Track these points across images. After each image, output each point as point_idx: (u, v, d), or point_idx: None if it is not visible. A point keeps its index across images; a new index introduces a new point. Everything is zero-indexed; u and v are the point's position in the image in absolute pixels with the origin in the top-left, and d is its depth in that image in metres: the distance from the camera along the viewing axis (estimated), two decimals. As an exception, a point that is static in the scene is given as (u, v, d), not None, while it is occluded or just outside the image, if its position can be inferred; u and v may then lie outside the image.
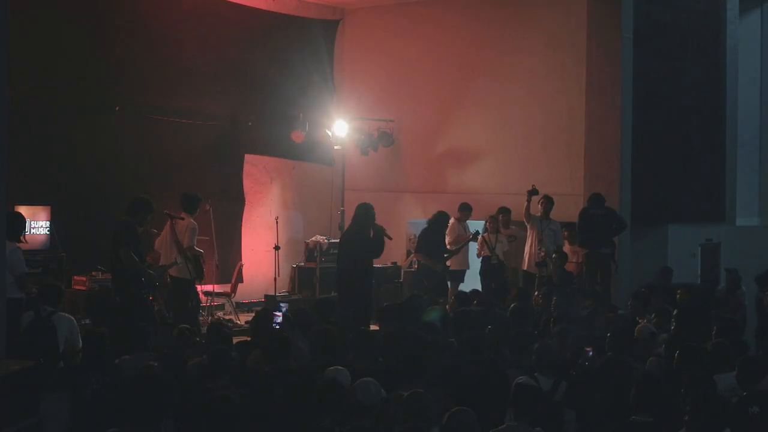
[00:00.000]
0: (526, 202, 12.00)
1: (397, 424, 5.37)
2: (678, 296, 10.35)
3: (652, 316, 8.78)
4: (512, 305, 8.86)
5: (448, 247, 12.25)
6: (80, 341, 7.79)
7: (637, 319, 8.94)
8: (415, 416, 5.27)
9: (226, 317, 12.18)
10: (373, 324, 10.20)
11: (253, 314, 9.83)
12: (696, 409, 5.15)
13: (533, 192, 11.96)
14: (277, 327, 8.09)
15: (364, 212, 10.16)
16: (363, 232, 10.11)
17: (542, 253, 11.83)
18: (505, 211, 12.64)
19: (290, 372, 6.56)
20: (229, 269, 12.92)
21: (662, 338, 7.88)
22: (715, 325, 8.13)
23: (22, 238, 9.27)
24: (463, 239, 12.46)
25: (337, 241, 13.79)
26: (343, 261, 10.27)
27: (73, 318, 8.29)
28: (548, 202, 12.15)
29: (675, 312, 8.52)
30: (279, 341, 6.85)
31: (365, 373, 6.16)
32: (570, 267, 12.05)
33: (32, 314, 8.06)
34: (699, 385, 5.87)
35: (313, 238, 13.83)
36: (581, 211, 11.89)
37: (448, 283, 12.22)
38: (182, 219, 10.27)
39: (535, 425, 5.41)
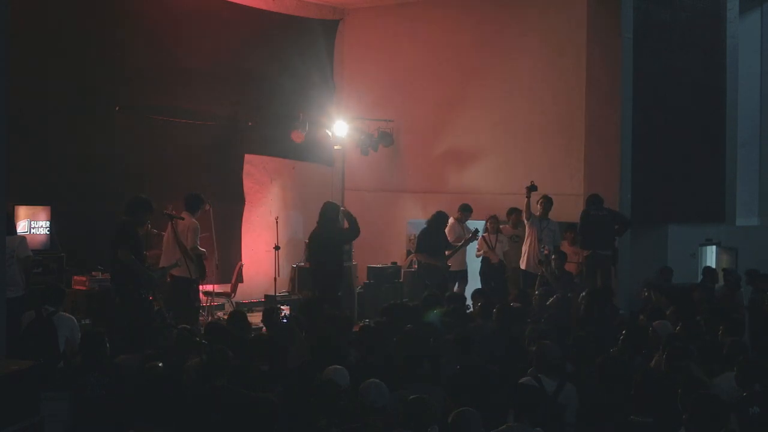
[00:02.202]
0: (525, 199, 11.99)
1: (399, 426, 5.37)
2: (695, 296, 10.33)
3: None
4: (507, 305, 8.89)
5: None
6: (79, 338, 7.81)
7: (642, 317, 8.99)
8: (416, 420, 5.28)
9: (226, 317, 12.16)
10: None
11: (254, 314, 9.89)
12: (695, 409, 5.13)
13: (532, 188, 11.93)
14: (285, 321, 8.13)
15: (330, 209, 10.79)
16: (335, 227, 10.73)
17: (546, 251, 11.83)
18: (515, 211, 12.59)
19: (288, 372, 6.57)
20: (229, 269, 12.92)
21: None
22: (721, 324, 8.13)
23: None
24: (463, 240, 12.45)
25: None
26: (319, 255, 10.66)
27: (74, 318, 8.31)
28: (547, 201, 12.16)
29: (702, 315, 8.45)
30: (276, 342, 6.86)
31: (368, 371, 6.17)
32: (570, 267, 12.05)
33: (33, 314, 8.09)
34: (694, 384, 5.86)
35: (314, 238, 13.82)
36: (582, 213, 11.87)
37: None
38: (182, 219, 10.27)
39: (536, 425, 5.40)
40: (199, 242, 10.37)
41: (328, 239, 10.53)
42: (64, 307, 8.54)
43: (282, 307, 12.24)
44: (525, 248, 12.30)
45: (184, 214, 10.34)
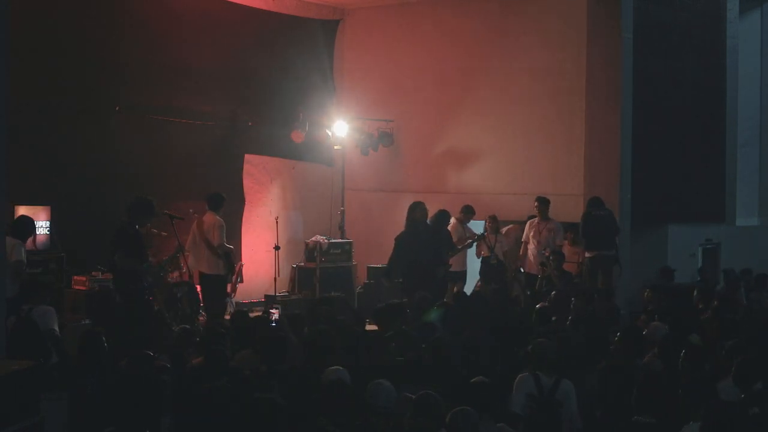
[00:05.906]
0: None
1: (407, 425, 5.37)
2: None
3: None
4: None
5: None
6: (57, 328, 7.70)
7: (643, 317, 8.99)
8: (425, 417, 5.27)
9: (226, 317, 12.15)
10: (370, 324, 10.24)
11: (254, 314, 9.89)
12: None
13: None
14: (274, 325, 8.12)
15: (418, 208, 11.32)
16: (426, 226, 11.24)
17: (546, 252, 11.83)
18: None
19: (287, 372, 6.57)
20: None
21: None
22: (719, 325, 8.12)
23: (30, 240, 9.41)
24: (464, 241, 12.43)
25: (337, 241, 13.92)
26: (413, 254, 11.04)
27: (51, 308, 8.04)
28: (542, 203, 12.15)
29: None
30: (275, 342, 6.85)
31: (370, 373, 6.16)
32: (570, 267, 12.05)
33: (14, 318, 7.96)
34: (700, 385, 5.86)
35: (313, 238, 13.83)
36: (584, 214, 11.87)
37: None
38: (182, 219, 10.34)
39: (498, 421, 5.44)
40: (225, 239, 10.79)
41: (422, 239, 10.78)
42: (47, 299, 8.26)
43: (272, 310, 12.26)
44: (525, 250, 12.32)
45: (208, 213, 10.81)
